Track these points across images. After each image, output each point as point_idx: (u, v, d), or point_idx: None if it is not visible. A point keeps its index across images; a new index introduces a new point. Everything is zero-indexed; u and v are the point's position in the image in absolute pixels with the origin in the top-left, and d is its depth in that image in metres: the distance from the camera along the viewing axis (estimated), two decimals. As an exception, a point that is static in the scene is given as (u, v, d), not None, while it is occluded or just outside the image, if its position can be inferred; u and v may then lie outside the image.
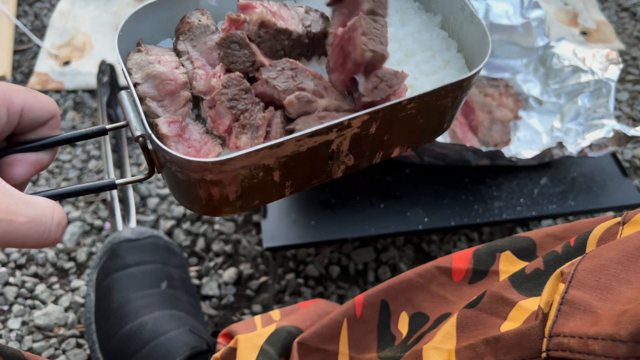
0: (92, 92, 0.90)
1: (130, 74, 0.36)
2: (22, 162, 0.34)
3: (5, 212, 0.28)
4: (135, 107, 0.36)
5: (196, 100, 0.38)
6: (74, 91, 0.90)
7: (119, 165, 0.79)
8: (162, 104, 0.36)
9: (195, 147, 0.36)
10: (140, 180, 0.37)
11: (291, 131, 0.36)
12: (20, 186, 0.33)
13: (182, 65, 0.38)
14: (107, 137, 0.80)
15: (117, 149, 0.80)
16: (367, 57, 0.35)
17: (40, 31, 0.99)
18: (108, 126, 0.37)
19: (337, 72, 0.37)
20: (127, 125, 0.37)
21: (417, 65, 0.42)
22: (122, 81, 0.90)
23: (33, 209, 0.29)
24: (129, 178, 0.37)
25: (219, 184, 0.34)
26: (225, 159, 0.32)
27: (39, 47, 0.96)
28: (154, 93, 0.36)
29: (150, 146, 0.34)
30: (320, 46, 0.40)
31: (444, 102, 0.39)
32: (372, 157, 0.40)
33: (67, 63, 0.93)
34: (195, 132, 0.36)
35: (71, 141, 0.36)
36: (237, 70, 0.37)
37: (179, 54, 0.39)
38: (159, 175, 0.79)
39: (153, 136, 0.33)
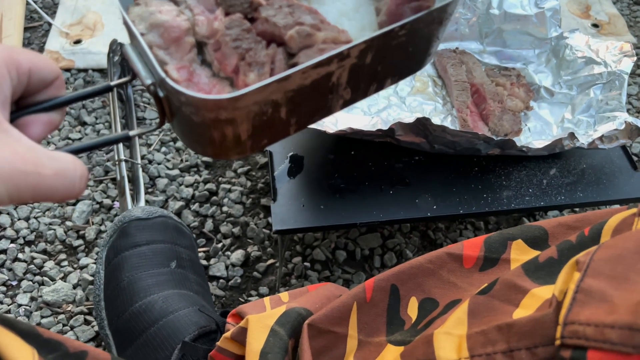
0: (102, 72, 0.90)
1: (135, 25, 0.37)
2: (36, 122, 0.34)
3: (33, 165, 0.29)
4: (141, 58, 0.36)
5: (199, 47, 0.39)
6: (85, 70, 0.90)
7: (127, 145, 0.79)
8: (168, 51, 0.37)
9: (205, 90, 0.36)
10: (152, 130, 0.38)
11: (295, 65, 0.37)
12: None
13: (182, 14, 0.39)
14: (116, 104, 0.80)
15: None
16: None
17: (51, 9, 0.99)
18: (112, 82, 0.38)
19: None
20: (131, 80, 0.38)
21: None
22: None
23: (57, 162, 0.30)
24: (141, 129, 0.37)
25: (232, 123, 0.35)
26: (239, 94, 0.33)
27: (49, 25, 0.96)
28: (159, 42, 0.36)
29: (161, 93, 0.35)
30: None
31: (430, 29, 0.41)
32: (366, 89, 0.42)
33: (77, 42, 0.93)
34: (203, 75, 0.37)
35: (79, 99, 0.37)
36: (236, 12, 0.38)
37: (176, 3, 0.40)
38: (163, 158, 0.79)
39: (168, 79, 0.34)
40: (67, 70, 0.90)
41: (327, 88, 0.38)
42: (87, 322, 0.65)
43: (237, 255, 0.71)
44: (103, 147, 0.37)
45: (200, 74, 0.37)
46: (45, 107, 0.35)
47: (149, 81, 0.35)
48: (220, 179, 0.78)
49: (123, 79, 0.39)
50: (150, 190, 0.76)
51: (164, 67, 0.36)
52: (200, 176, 0.78)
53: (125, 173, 0.73)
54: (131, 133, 0.37)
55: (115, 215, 0.74)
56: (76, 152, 0.34)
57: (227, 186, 0.77)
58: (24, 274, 0.68)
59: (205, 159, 0.80)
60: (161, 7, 0.38)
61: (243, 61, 0.37)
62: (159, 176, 0.78)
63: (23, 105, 0.35)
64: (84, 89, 0.37)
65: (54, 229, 0.72)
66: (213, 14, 0.39)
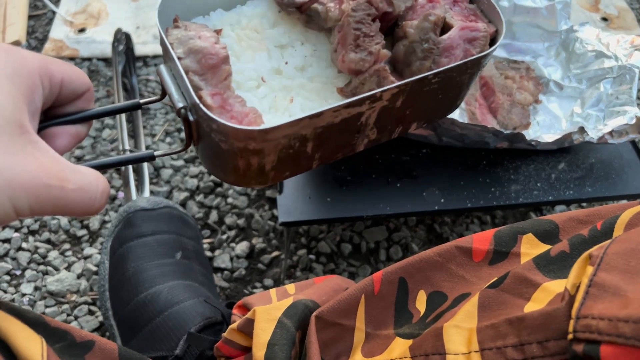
0: (106, 61, 0.89)
1: (173, 49, 0.38)
2: (64, 134, 0.35)
3: (57, 179, 0.29)
4: (175, 80, 0.37)
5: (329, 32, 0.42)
6: (89, 59, 0.90)
7: (132, 135, 0.79)
8: (203, 77, 0.37)
9: (237, 118, 0.37)
10: (178, 152, 0.39)
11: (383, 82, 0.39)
12: None
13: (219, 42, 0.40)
14: (121, 94, 0.80)
15: (131, 119, 0.80)
16: None
17: (56, -3, 0.98)
18: (142, 101, 0.39)
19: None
20: (160, 99, 0.39)
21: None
22: (138, 50, 0.89)
23: (80, 177, 0.30)
24: (166, 150, 0.38)
25: (260, 154, 0.35)
26: (270, 127, 0.33)
27: (53, 13, 0.95)
28: (196, 67, 0.37)
29: (191, 118, 0.36)
30: None
31: (462, 78, 0.41)
32: (392, 131, 0.43)
33: (82, 30, 0.92)
34: (237, 104, 0.38)
35: (107, 115, 0.38)
36: None
37: (216, 31, 0.41)
38: (167, 148, 0.78)
39: (202, 106, 0.34)
40: (72, 59, 0.89)
41: (355, 127, 0.39)
42: (91, 312, 0.65)
43: (241, 247, 0.70)
44: (126, 165, 0.39)
45: (233, 103, 0.38)
46: (73, 119, 0.35)
47: (180, 104, 0.36)
48: (225, 170, 0.78)
49: (153, 99, 0.39)
50: (154, 180, 0.76)
51: (198, 92, 0.36)
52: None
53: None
54: (156, 154, 0.38)
55: (120, 205, 0.73)
56: (100, 167, 0.35)
57: (232, 177, 0.76)
58: (28, 263, 0.68)
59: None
60: (200, 33, 0.39)
61: (354, 42, 0.39)
62: (164, 167, 0.77)
63: (51, 116, 0.35)
64: (112, 104, 0.38)
65: (58, 219, 0.71)
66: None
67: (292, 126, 0.34)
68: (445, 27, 0.42)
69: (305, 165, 0.40)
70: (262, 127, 0.34)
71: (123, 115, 0.78)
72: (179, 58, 0.37)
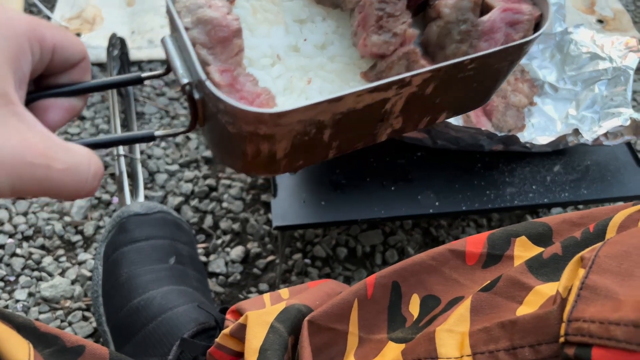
0: (101, 66, 0.89)
1: (180, 17, 0.34)
2: (56, 107, 0.31)
3: (43, 157, 0.26)
4: (180, 53, 0.33)
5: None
6: (84, 64, 0.90)
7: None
8: (212, 51, 0.33)
9: (247, 98, 0.33)
10: (180, 133, 0.35)
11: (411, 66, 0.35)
12: None
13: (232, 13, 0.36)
14: (115, 98, 0.79)
15: (125, 124, 0.80)
16: None
17: (50, 2, 0.98)
18: (143, 75, 0.35)
19: None
20: (165, 74, 0.35)
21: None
22: (133, 55, 0.89)
23: (70, 155, 0.27)
24: (168, 130, 0.35)
25: (271, 139, 0.32)
26: (284, 111, 0.30)
27: (48, 18, 0.95)
28: (204, 39, 0.33)
29: (197, 95, 0.32)
30: None
31: (500, 66, 0.38)
32: (418, 121, 0.39)
33: (77, 35, 0.92)
34: (248, 83, 0.34)
35: (105, 88, 0.34)
36: None
37: None
38: (162, 153, 0.78)
39: (208, 82, 0.31)
40: (67, 64, 0.89)
41: (378, 115, 0.35)
42: (85, 318, 0.65)
43: (236, 252, 0.70)
44: (125, 144, 0.35)
45: (244, 81, 0.34)
46: (67, 92, 0.32)
47: (185, 80, 0.32)
48: (220, 174, 0.77)
49: (155, 73, 0.36)
50: (149, 185, 0.76)
51: (205, 67, 0.33)
52: (200, 172, 0.77)
53: (124, 168, 0.73)
54: (157, 133, 0.34)
55: (114, 210, 0.73)
56: (94, 146, 0.31)
57: (227, 182, 0.76)
58: (22, 269, 0.68)
59: (205, 154, 0.79)
60: (211, 1, 0.35)
61: (377, 23, 0.35)
62: (158, 171, 0.77)
63: (42, 86, 0.31)
64: (111, 77, 0.34)
65: (52, 224, 0.71)
66: None
67: (309, 111, 0.31)
68: (485, 8, 0.39)
69: (321, 155, 0.36)
70: (274, 110, 0.30)
71: (118, 119, 0.77)
72: (186, 28, 0.33)
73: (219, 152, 0.36)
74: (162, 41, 0.34)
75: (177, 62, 0.33)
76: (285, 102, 0.36)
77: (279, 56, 0.38)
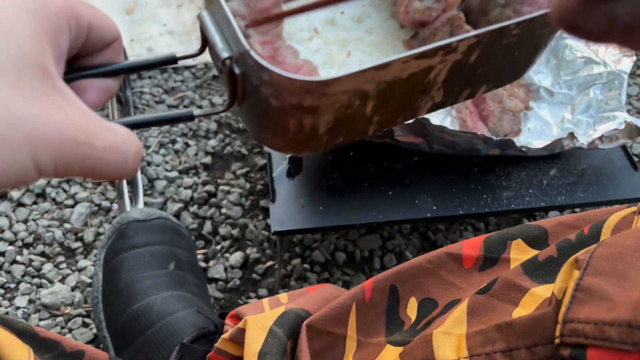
0: (100, 74, 0.90)
1: None
2: (93, 87, 0.30)
3: (85, 134, 0.25)
4: (219, 27, 0.32)
5: None
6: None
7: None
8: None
9: (289, 70, 0.32)
10: (220, 112, 0.34)
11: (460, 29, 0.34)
12: None
13: None
14: (115, 105, 0.80)
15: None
16: None
17: (50, 11, 0.99)
18: (178, 55, 0.34)
19: None
20: (200, 53, 0.34)
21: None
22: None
23: (112, 134, 0.26)
24: (205, 110, 0.34)
25: (315, 112, 0.31)
26: (331, 78, 0.29)
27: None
28: (244, 11, 0.32)
29: (237, 70, 0.31)
30: None
31: (543, 33, 0.37)
32: (459, 94, 0.38)
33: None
34: (289, 55, 0.33)
35: (141, 69, 0.33)
36: None
37: None
38: (161, 159, 0.79)
39: (252, 52, 0.30)
40: (66, 72, 0.90)
41: (421, 85, 0.35)
42: (85, 325, 0.65)
43: (236, 257, 0.70)
44: (164, 124, 0.34)
45: (284, 53, 0.33)
46: (102, 72, 0.31)
47: (225, 54, 0.31)
48: (219, 180, 0.78)
49: (191, 53, 0.34)
50: (148, 192, 0.76)
51: (247, 40, 0.31)
52: (199, 178, 0.78)
53: (123, 175, 0.73)
54: (195, 112, 0.34)
55: (114, 217, 0.74)
56: (132, 126, 0.31)
57: (226, 188, 0.77)
58: (22, 276, 0.68)
59: (204, 160, 0.79)
60: None
61: None
62: (158, 178, 0.77)
63: (77, 68, 0.31)
64: (146, 57, 0.33)
65: (52, 231, 0.71)
66: None
67: (355, 79, 0.30)
68: None
69: (362, 130, 0.35)
70: (322, 77, 0.29)
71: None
72: (226, 0, 0.32)
73: (259, 131, 0.35)
74: (199, 17, 0.33)
75: (216, 37, 0.32)
76: (326, 75, 0.35)
77: (316, 30, 0.37)
